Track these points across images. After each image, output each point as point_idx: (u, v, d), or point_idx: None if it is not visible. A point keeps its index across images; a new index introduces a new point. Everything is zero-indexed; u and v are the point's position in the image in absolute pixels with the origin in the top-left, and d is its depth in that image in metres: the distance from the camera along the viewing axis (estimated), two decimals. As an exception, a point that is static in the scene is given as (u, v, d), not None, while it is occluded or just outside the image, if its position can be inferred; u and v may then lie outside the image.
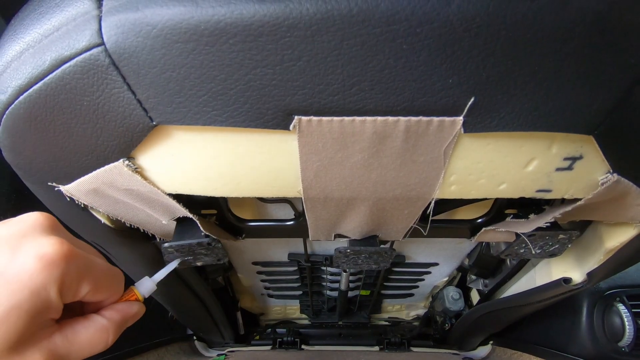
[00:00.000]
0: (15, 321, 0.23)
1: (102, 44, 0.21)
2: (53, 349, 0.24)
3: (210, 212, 0.41)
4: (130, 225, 0.37)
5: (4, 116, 0.25)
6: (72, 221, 0.36)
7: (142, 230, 0.38)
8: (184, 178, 0.30)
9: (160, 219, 0.36)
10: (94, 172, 0.28)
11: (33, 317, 0.23)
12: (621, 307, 0.65)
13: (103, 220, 0.35)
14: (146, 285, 0.31)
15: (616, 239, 0.39)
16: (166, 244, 0.37)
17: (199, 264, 0.41)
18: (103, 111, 0.24)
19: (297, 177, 0.29)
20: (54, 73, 0.23)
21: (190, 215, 0.34)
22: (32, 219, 0.25)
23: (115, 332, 0.27)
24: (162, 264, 0.43)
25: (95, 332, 0.26)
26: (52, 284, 0.23)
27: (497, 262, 0.68)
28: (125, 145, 0.26)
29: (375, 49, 0.21)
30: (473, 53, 0.22)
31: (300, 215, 0.44)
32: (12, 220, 0.25)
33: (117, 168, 0.28)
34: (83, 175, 0.29)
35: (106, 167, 0.28)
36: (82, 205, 0.33)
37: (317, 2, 0.20)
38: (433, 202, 0.32)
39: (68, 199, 0.31)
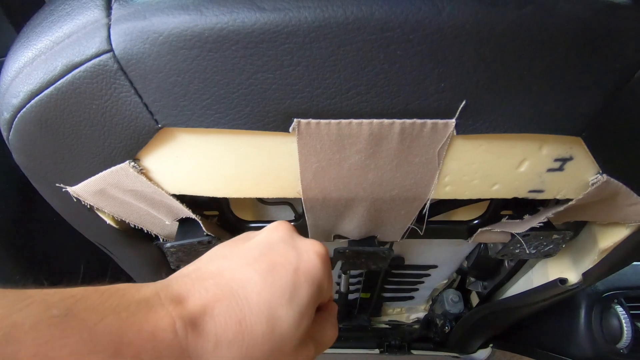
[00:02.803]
0: (311, 312, 0.25)
1: (111, 50, 0.23)
2: (316, 339, 0.27)
3: (212, 213, 0.42)
4: (135, 225, 0.38)
5: (16, 119, 0.26)
6: (78, 221, 0.37)
7: (145, 231, 0.39)
8: (187, 179, 0.31)
9: (164, 220, 0.37)
10: (101, 174, 0.30)
11: (314, 309, 0.26)
12: (619, 309, 0.66)
13: (108, 220, 0.36)
14: None
15: (610, 239, 0.39)
16: (168, 244, 0.38)
17: (201, 264, 0.42)
18: (111, 114, 0.25)
19: (297, 177, 0.30)
20: (65, 78, 0.24)
21: (193, 216, 0.35)
22: (286, 225, 0.29)
23: (337, 326, 0.29)
24: (165, 265, 0.44)
25: (331, 326, 0.28)
26: (327, 278, 0.26)
27: (496, 264, 0.68)
28: (132, 147, 0.27)
29: (371, 54, 0.23)
30: (463, 59, 0.23)
31: (300, 217, 0.45)
32: (270, 227, 0.29)
33: (123, 169, 0.29)
34: (90, 176, 0.30)
35: (112, 168, 0.29)
36: (88, 206, 0.34)
37: (314, 11, 0.21)
38: (428, 202, 0.33)
39: (75, 200, 0.32)
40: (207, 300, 0.22)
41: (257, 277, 0.23)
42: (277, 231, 0.28)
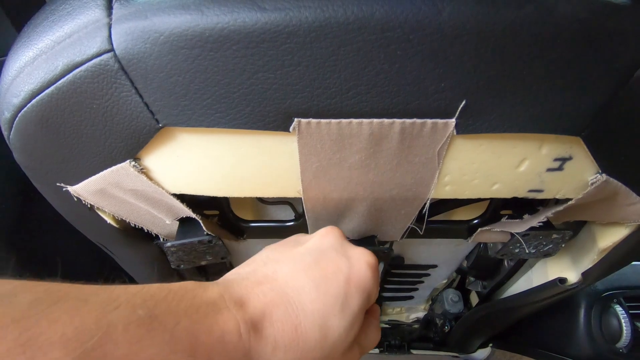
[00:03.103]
0: (360, 320, 0.26)
1: (112, 50, 0.23)
2: (361, 343, 0.28)
3: (212, 212, 0.42)
4: (135, 225, 0.38)
5: (17, 119, 0.26)
6: (79, 221, 0.37)
7: (146, 231, 0.39)
8: (187, 178, 0.31)
9: (164, 219, 0.37)
10: (101, 173, 0.30)
11: (363, 316, 0.26)
12: (618, 309, 0.66)
13: (108, 220, 0.36)
14: None
15: (609, 239, 0.40)
16: (169, 244, 0.38)
17: (202, 263, 0.42)
18: (112, 114, 0.25)
19: (297, 177, 0.30)
20: (66, 77, 0.24)
21: (193, 215, 0.35)
22: (337, 232, 0.30)
23: (380, 329, 0.30)
24: (165, 265, 0.44)
25: (375, 330, 0.29)
26: (375, 287, 0.27)
27: (495, 263, 0.69)
28: (132, 146, 0.27)
29: (371, 54, 0.23)
30: (463, 58, 0.23)
31: (300, 216, 0.45)
32: (321, 233, 0.29)
33: (124, 169, 0.29)
34: (90, 176, 0.30)
35: (113, 168, 0.29)
36: (89, 206, 0.34)
37: (315, 11, 0.21)
38: (428, 201, 0.33)
39: (75, 199, 0.32)
40: (265, 305, 0.23)
41: (311, 285, 0.24)
42: (328, 237, 0.28)
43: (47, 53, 0.24)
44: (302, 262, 0.26)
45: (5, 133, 0.27)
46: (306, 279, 0.24)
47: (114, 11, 0.23)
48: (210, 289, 0.22)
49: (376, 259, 0.27)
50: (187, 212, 0.35)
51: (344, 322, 0.24)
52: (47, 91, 0.24)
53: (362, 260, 0.26)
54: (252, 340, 0.21)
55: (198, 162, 0.29)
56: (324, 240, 0.28)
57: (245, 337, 0.21)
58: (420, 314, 1.02)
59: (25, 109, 0.25)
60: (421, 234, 0.41)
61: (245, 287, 0.24)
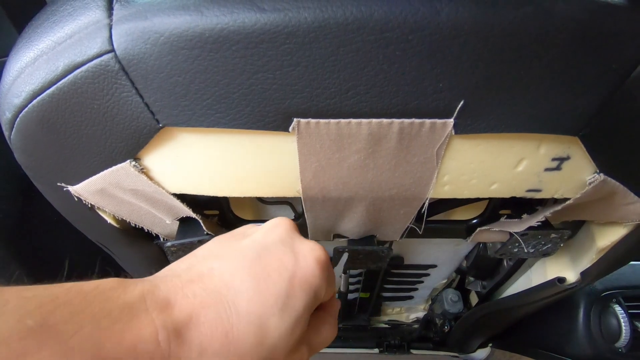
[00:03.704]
0: (305, 320, 0.24)
1: (113, 50, 0.23)
2: (310, 342, 0.26)
3: (212, 212, 0.42)
4: (135, 225, 0.38)
5: (18, 119, 0.26)
6: (79, 221, 0.37)
7: (146, 230, 0.40)
8: (187, 178, 0.31)
9: (164, 219, 0.37)
10: (102, 173, 0.30)
11: (309, 316, 0.24)
12: (617, 308, 0.66)
13: (109, 220, 0.36)
14: None
15: (607, 238, 0.40)
16: (169, 243, 0.38)
17: (201, 263, 0.42)
18: (112, 114, 0.25)
19: (297, 177, 0.30)
20: (67, 78, 0.24)
21: (193, 215, 0.35)
22: (287, 223, 0.27)
23: (337, 325, 0.28)
24: (165, 264, 0.44)
25: (330, 326, 0.28)
26: (325, 284, 0.25)
27: (495, 263, 0.69)
28: (132, 146, 0.28)
29: (370, 55, 0.23)
30: (462, 59, 0.23)
31: (300, 216, 0.45)
32: (269, 225, 0.27)
33: (124, 169, 0.29)
34: (91, 175, 0.30)
35: (113, 167, 0.29)
36: (89, 205, 0.34)
37: (314, 11, 0.22)
38: (427, 201, 0.33)
39: (76, 199, 0.32)
40: (193, 307, 0.21)
41: (249, 283, 0.22)
42: (276, 230, 0.26)
43: (48, 54, 0.24)
44: (243, 258, 0.24)
45: (6, 133, 0.28)
46: (245, 277, 0.22)
47: (114, 12, 0.23)
48: (131, 289, 0.20)
49: (326, 255, 0.25)
50: (187, 212, 0.35)
51: (284, 323, 0.22)
52: (48, 91, 0.24)
53: (309, 256, 0.24)
54: (172, 348, 0.19)
55: (198, 162, 0.29)
56: (271, 233, 0.26)
57: (165, 344, 0.19)
58: (420, 314, 1.02)
59: (26, 109, 0.25)
60: (420, 233, 0.41)
61: (173, 286, 0.21)
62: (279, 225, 0.27)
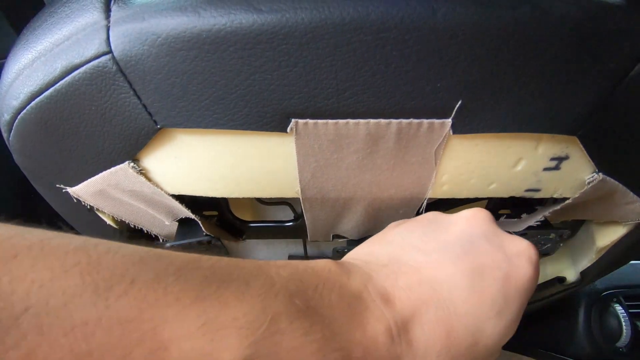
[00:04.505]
0: (515, 327, 0.22)
1: (110, 52, 0.23)
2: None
3: (211, 213, 0.42)
4: (134, 226, 0.38)
5: (16, 121, 0.26)
6: (78, 222, 0.37)
7: (145, 231, 0.40)
8: (186, 179, 0.31)
9: (163, 220, 0.37)
10: (100, 174, 0.30)
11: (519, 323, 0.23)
12: (618, 308, 0.66)
13: (108, 221, 0.36)
14: None
15: (607, 237, 0.40)
16: (168, 244, 0.38)
17: (200, 264, 0.42)
18: (110, 115, 0.25)
19: (295, 177, 0.30)
20: (64, 80, 0.24)
21: (192, 216, 0.35)
22: (487, 215, 0.24)
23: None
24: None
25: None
26: (535, 286, 0.22)
27: (495, 263, 0.69)
28: (131, 148, 0.28)
29: (367, 55, 0.23)
30: (459, 59, 0.23)
31: (299, 217, 0.45)
32: (467, 216, 0.24)
33: (123, 170, 0.29)
34: (90, 177, 0.30)
35: (112, 169, 0.29)
36: (89, 207, 0.34)
37: (311, 12, 0.22)
38: (425, 201, 0.33)
39: (75, 201, 0.32)
40: (413, 303, 0.19)
41: (463, 281, 0.20)
42: (476, 222, 0.24)
43: (46, 55, 0.24)
44: (450, 252, 0.22)
45: (5, 135, 0.28)
46: (457, 274, 0.20)
47: (112, 13, 0.23)
48: (353, 277, 0.19)
49: (537, 254, 0.23)
50: (186, 212, 0.35)
51: (500, 328, 0.20)
52: (46, 93, 0.24)
53: (522, 255, 0.22)
54: (403, 346, 0.18)
55: (196, 163, 0.29)
56: (472, 225, 0.24)
57: (397, 340, 0.18)
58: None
59: (24, 111, 0.25)
60: None
61: (387, 278, 0.20)
62: (479, 216, 0.25)
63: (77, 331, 0.11)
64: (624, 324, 0.64)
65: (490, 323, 0.20)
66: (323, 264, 0.20)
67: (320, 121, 0.25)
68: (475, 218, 0.24)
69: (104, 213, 0.36)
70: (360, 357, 0.17)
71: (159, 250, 0.15)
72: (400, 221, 0.27)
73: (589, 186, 0.30)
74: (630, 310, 0.65)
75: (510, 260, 0.22)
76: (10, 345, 0.10)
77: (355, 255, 0.24)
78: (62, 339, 0.11)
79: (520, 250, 0.22)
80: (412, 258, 0.22)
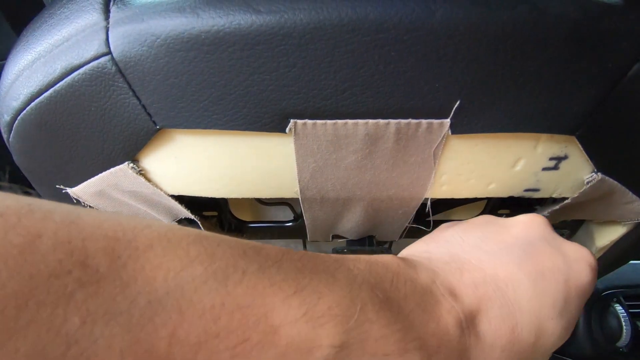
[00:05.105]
0: (572, 328, 0.23)
1: (109, 53, 0.23)
2: None
3: (211, 213, 0.42)
4: (134, 226, 0.38)
5: (16, 122, 0.26)
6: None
7: (145, 232, 0.40)
8: (185, 180, 0.31)
9: (163, 220, 0.37)
10: (100, 175, 0.30)
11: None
12: (618, 308, 0.66)
13: (108, 221, 0.36)
14: None
15: (606, 237, 0.40)
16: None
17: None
18: (109, 116, 0.26)
19: (294, 178, 0.31)
20: (64, 81, 0.24)
21: (192, 216, 0.35)
22: (543, 221, 0.25)
23: None
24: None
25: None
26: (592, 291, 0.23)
27: (495, 263, 0.69)
28: (130, 148, 0.28)
29: (365, 56, 0.23)
30: (457, 59, 0.23)
31: (299, 217, 0.45)
32: (524, 220, 0.25)
33: (122, 170, 0.29)
34: (89, 177, 0.30)
35: (112, 169, 0.29)
36: (88, 207, 0.34)
37: (309, 13, 0.22)
38: (429, 201, 0.33)
39: (74, 201, 0.32)
40: (479, 299, 0.20)
41: (527, 281, 0.21)
42: (535, 226, 0.25)
43: (46, 56, 0.24)
44: (511, 253, 0.22)
45: (5, 136, 0.28)
46: (520, 273, 0.21)
47: (111, 15, 0.24)
48: (420, 272, 0.20)
49: (596, 261, 0.24)
50: (185, 213, 0.35)
51: (560, 328, 0.21)
52: (45, 94, 0.25)
53: (582, 260, 0.23)
54: (471, 338, 0.19)
55: (196, 163, 0.29)
56: (531, 229, 0.25)
57: (466, 332, 0.19)
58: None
59: (24, 112, 0.26)
60: (420, 234, 0.41)
61: (451, 274, 0.21)
62: (536, 221, 0.26)
63: (207, 314, 0.13)
64: (624, 323, 0.64)
65: (552, 323, 0.21)
66: (390, 259, 0.21)
67: (319, 121, 0.26)
68: (533, 222, 0.25)
69: (103, 213, 0.36)
70: (435, 347, 0.18)
71: (254, 243, 0.17)
72: (452, 222, 0.28)
73: (587, 186, 0.30)
74: (630, 310, 0.65)
75: (570, 265, 0.23)
76: (159, 324, 0.12)
77: (413, 252, 0.25)
78: (197, 320, 0.13)
79: (580, 255, 0.23)
80: (475, 257, 0.23)
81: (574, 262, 0.23)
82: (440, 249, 0.24)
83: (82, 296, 0.11)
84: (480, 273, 0.22)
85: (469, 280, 0.21)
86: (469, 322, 0.19)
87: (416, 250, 0.25)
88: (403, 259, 0.21)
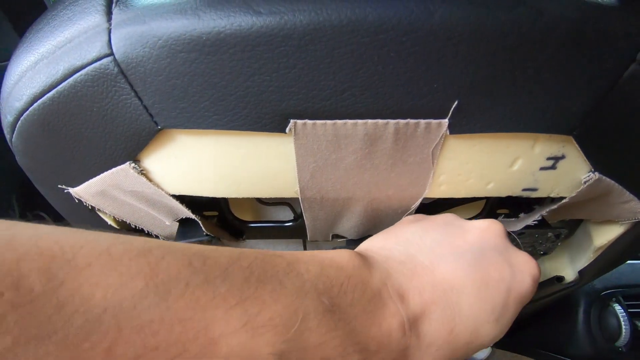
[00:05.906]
0: (506, 330, 0.24)
1: (112, 54, 0.23)
2: None
3: (211, 213, 0.43)
4: (135, 226, 0.38)
5: (19, 122, 0.26)
6: (80, 222, 0.37)
7: (146, 232, 0.40)
8: (186, 180, 0.31)
9: (164, 220, 0.37)
10: (102, 175, 0.30)
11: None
12: (617, 307, 0.66)
13: (109, 221, 0.37)
14: None
15: (604, 237, 0.40)
16: (169, 245, 0.38)
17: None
18: (111, 117, 0.26)
19: (294, 178, 0.31)
20: (67, 82, 0.24)
21: (193, 216, 0.36)
22: (499, 228, 0.27)
23: None
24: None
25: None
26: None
27: (494, 263, 0.69)
28: (132, 148, 0.28)
29: (365, 56, 0.23)
30: (456, 60, 0.23)
31: (299, 217, 0.46)
32: (481, 227, 0.27)
33: (124, 170, 0.29)
34: (91, 177, 0.30)
35: (113, 169, 0.30)
36: (90, 207, 0.34)
37: (309, 14, 0.22)
38: (419, 201, 0.33)
39: (76, 201, 0.33)
40: (425, 303, 0.22)
41: (470, 288, 0.23)
42: (490, 234, 0.26)
43: (48, 58, 0.25)
44: (462, 261, 0.24)
45: (7, 136, 0.28)
46: (467, 281, 0.23)
47: (113, 16, 0.24)
48: (374, 273, 0.22)
49: (539, 270, 0.26)
50: (186, 213, 0.35)
51: (494, 331, 0.23)
52: (48, 95, 0.25)
53: (526, 272, 0.25)
54: (412, 338, 0.21)
55: (196, 163, 0.30)
56: (486, 237, 0.26)
57: (408, 334, 0.21)
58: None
59: (27, 112, 0.26)
60: None
61: (404, 277, 0.23)
62: (492, 229, 0.27)
63: (146, 328, 0.13)
64: (623, 323, 0.65)
65: (488, 327, 0.23)
66: (347, 258, 0.22)
67: (318, 122, 0.26)
68: (488, 230, 0.27)
69: (105, 213, 0.36)
70: (375, 350, 0.19)
71: (203, 250, 0.17)
72: (414, 217, 0.30)
73: (585, 185, 0.31)
74: (629, 310, 0.65)
75: (514, 275, 0.24)
76: (96, 341, 0.12)
77: (371, 247, 0.26)
78: (135, 336, 0.13)
79: (526, 267, 0.25)
80: (428, 259, 0.24)
81: (519, 273, 0.24)
82: (398, 247, 0.25)
83: (14, 317, 0.11)
84: (430, 277, 0.23)
85: (418, 283, 0.23)
86: (411, 324, 0.21)
87: (375, 245, 0.26)
88: (360, 257, 0.22)
